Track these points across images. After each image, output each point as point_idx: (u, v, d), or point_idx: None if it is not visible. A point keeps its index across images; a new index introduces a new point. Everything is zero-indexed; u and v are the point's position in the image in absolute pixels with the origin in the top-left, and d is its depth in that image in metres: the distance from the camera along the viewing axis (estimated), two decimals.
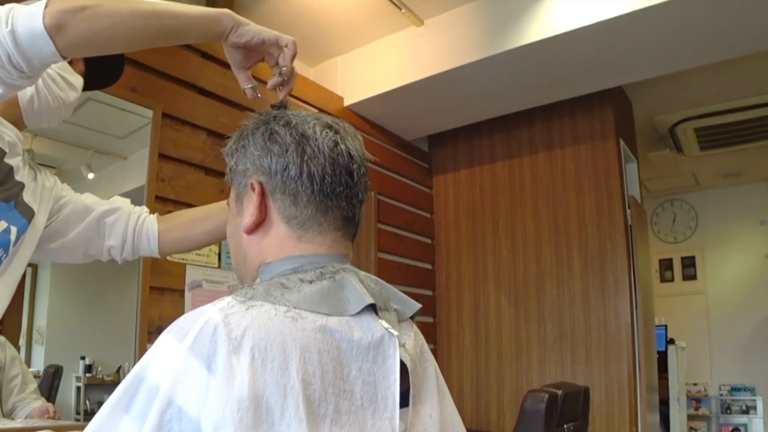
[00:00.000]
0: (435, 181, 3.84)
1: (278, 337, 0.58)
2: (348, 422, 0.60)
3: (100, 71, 1.15)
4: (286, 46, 0.89)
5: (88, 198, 1.16)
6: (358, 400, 0.62)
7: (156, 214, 1.21)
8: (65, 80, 1.05)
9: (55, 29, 0.75)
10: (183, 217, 1.22)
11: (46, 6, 0.75)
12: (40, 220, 1.07)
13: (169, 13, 0.83)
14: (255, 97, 0.91)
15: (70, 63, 1.08)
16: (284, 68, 0.88)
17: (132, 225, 1.16)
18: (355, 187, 0.72)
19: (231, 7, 2.57)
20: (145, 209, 1.21)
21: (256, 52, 0.91)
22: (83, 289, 2.11)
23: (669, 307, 5.16)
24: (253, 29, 0.89)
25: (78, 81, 1.09)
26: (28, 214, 1.03)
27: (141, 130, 2.15)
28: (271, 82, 0.89)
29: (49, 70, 1.02)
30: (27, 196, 1.03)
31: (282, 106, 0.82)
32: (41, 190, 1.08)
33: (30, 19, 0.75)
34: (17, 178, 1.00)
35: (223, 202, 1.19)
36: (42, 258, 1.15)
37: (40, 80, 1.01)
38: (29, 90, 1.01)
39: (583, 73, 2.86)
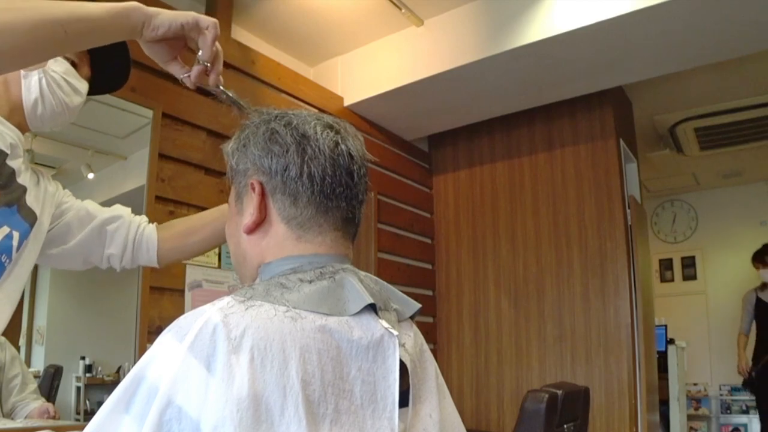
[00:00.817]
0: (435, 181, 3.84)
1: (278, 337, 0.58)
2: (348, 422, 0.60)
3: (106, 76, 1.14)
4: (206, 29, 0.82)
5: (89, 204, 1.16)
6: (357, 400, 0.62)
7: (155, 224, 1.21)
8: (70, 85, 1.05)
9: None
10: (179, 226, 1.22)
11: None
12: (43, 224, 1.06)
13: (73, 18, 0.74)
14: (194, 85, 0.86)
15: (76, 67, 1.07)
16: (200, 54, 0.83)
17: (132, 234, 1.16)
18: (355, 188, 0.72)
19: (231, 8, 2.58)
20: (144, 218, 1.21)
21: (179, 40, 0.84)
22: (83, 289, 2.11)
23: (669, 307, 5.16)
24: (167, 17, 0.81)
25: (83, 86, 1.09)
26: (31, 218, 1.02)
27: (141, 130, 2.15)
28: (193, 73, 0.84)
29: (54, 75, 1.02)
30: (29, 200, 1.02)
31: (220, 92, 0.79)
32: (44, 194, 1.07)
33: None
34: (19, 181, 1.00)
35: (219, 208, 1.19)
36: (42, 263, 1.15)
37: (45, 85, 1.01)
38: (33, 94, 1.01)
39: (583, 73, 2.86)
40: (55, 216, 1.11)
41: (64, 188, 1.16)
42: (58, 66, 1.03)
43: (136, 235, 1.17)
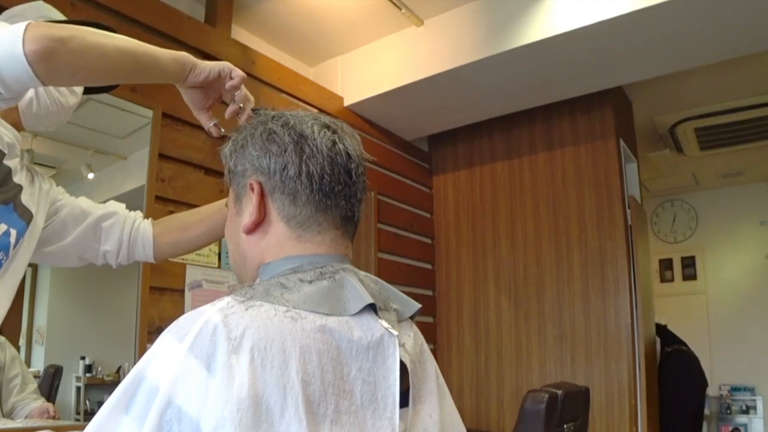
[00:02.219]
0: (435, 181, 3.84)
1: (278, 337, 0.58)
2: (348, 422, 0.60)
3: None
4: (232, 77, 0.92)
5: (84, 202, 1.16)
6: (358, 400, 0.62)
7: (150, 219, 1.21)
8: None
9: (39, 57, 0.72)
10: (175, 221, 1.22)
11: (25, 30, 0.72)
12: (39, 222, 1.07)
13: (144, 53, 0.85)
14: (219, 134, 0.94)
15: None
16: (237, 94, 0.92)
17: (128, 230, 1.16)
18: (353, 186, 0.72)
19: (231, 8, 2.58)
20: (139, 214, 1.21)
21: (214, 90, 0.94)
22: (83, 289, 2.11)
23: (669, 307, 5.16)
24: (207, 65, 0.92)
25: (79, 86, 1.09)
26: (27, 216, 1.03)
27: (141, 130, 2.15)
28: (229, 111, 0.92)
29: None
30: (25, 198, 1.03)
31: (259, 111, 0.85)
32: (39, 193, 1.07)
33: (8, 43, 0.72)
34: (15, 180, 1.00)
35: (216, 203, 1.19)
36: (37, 261, 1.15)
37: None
38: (29, 93, 1.01)
39: (583, 73, 2.86)
40: (50, 214, 1.11)
41: (58, 186, 1.16)
42: None
43: (132, 231, 1.17)
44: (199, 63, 0.91)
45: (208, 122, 0.96)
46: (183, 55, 0.90)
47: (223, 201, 1.16)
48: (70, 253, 1.14)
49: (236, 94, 0.92)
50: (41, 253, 1.10)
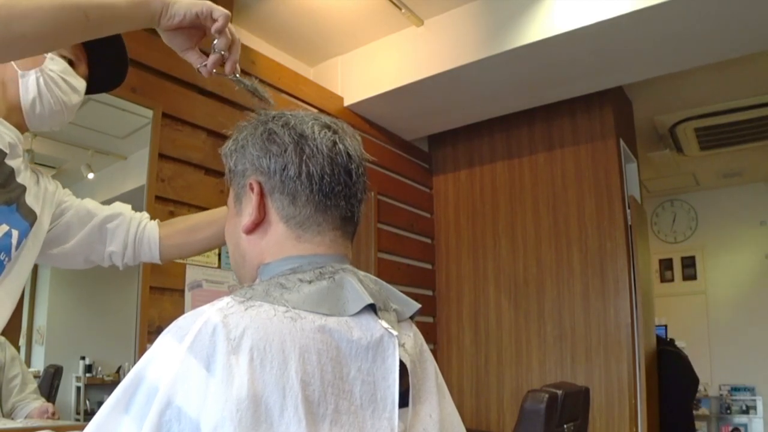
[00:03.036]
0: (435, 181, 3.84)
1: (277, 338, 0.58)
2: (347, 422, 0.60)
3: (104, 74, 1.14)
4: (216, 19, 0.84)
5: (89, 203, 1.16)
6: (357, 400, 0.62)
7: (157, 220, 1.21)
8: (68, 83, 1.05)
9: None
10: (185, 222, 1.22)
11: None
12: (43, 223, 1.06)
13: (94, 4, 0.76)
14: (211, 74, 0.87)
15: (73, 66, 1.07)
16: (215, 42, 0.85)
17: (133, 231, 1.16)
18: (353, 187, 0.72)
19: (231, 8, 2.58)
20: (146, 215, 1.20)
21: (197, 29, 0.86)
22: (83, 289, 2.11)
23: (669, 307, 5.16)
24: (183, 6, 0.82)
25: (81, 84, 1.09)
26: (31, 217, 1.02)
27: (141, 130, 2.15)
28: (209, 61, 0.85)
29: (51, 74, 1.02)
30: (29, 199, 1.02)
31: (237, 80, 0.80)
32: (44, 194, 1.07)
33: None
34: (19, 180, 1.00)
35: (225, 207, 1.19)
36: (43, 263, 1.15)
37: (43, 84, 1.01)
38: (31, 93, 1.01)
39: (583, 73, 2.86)
40: (55, 215, 1.11)
41: (63, 188, 1.16)
42: (56, 65, 1.03)
43: (137, 231, 1.16)
44: (171, 4, 0.82)
45: (197, 61, 0.87)
46: None
47: None
48: (76, 254, 1.14)
49: (216, 40, 0.84)
50: (46, 255, 1.10)
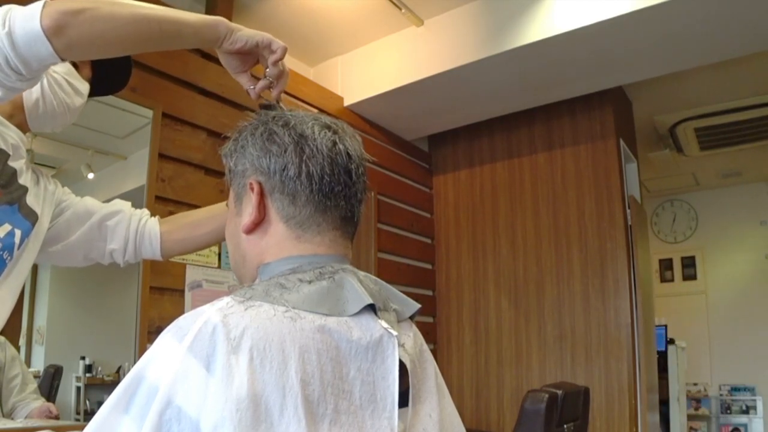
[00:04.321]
0: (435, 181, 3.84)
1: (277, 337, 0.58)
2: (347, 422, 0.60)
3: (108, 77, 1.14)
4: (274, 51, 0.90)
5: (88, 201, 1.16)
6: (357, 400, 0.62)
7: (157, 217, 1.21)
8: (71, 86, 1.05)
9: (53, 30, 0.74)
10: (186, 218, 1.22)
11: (43, 7, 0.74)
12: (44, 223, 1.07)
13: (168, 19, 0.83)
14: (257, 98, 0.92)
15: (77, 68, 1.07)
16: (267, 70, 0.90)
17: (134, 227, 1.16)
18: (353, 187, 0.72)
19: (231, 8, 2.58)
20: (146, 212, 1.20)
21: (252, 56, 0.92)
22: (83, 289, 2.11)
23: (669, 307, 5.16)
24: (246, 34, 0.89)
25: (84, 87, 1.09)
26: (32, 217, 1.03)
27: (141, 130, 2.15)
28: (258, 86, 0.91)
29: (55, 75, 1.02)
30: (30, 200, 1.03)
31: (270, 105, 0.83)
32: (44, 194, 1.07)
33: (27, 20, 0.74)
34: (20, 181, 1.00)
35: (225, 203, 1.19)
36: (43, 261, 1.15)
37: (46, 85, 1.01)
38: (35, 94, 1.01)
39: (583, 73, 2.86)
40: (55, 214, 1.11)
41: (64, 186, 1.16)
42: (60, 67, 1.03)
43: (138, 228, 1.16)
44: (235, 30, 0.89)
45: (247, 84, 0.93)
46: (216, 20, 0.87)
47: None
48: (76, 252, 1.14)
49: (269, 68, 0.90)
50: (46, 253, 1.10)
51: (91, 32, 0.77)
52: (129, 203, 1.20)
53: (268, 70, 0.90)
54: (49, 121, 1.05)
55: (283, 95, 0.92)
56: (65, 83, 1.04)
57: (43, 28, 0.73)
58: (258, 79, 0.92)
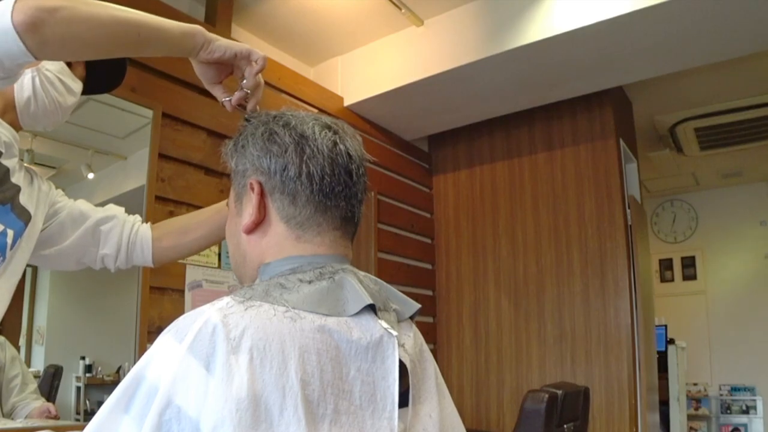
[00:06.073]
0: (435, 181, 3.84)
1: (277, 338, 0.58)
2: (347, 422, 0.60)
3: (101, 76, 1.14)
4: (255, 62, 0.89)
5: (82, 204, 1.16)
6: (357, 400, 0.62)
7: (149, 223, 1.20)
8: (64, 84, 1.05)
9: (26, 27, 0.70)
10: (174, 224, 1.21)
11: (15, 2, 0.70)
12: (37, 223, 1.06)
13: (147, 24, 0.81)
14: (233, 109, 0.91)
15: (71, 67, 1.07)
16: (244, 82, 0.89)
17: (127, 234, 1.16)
18: (354, 187, 0.72)
19: (231, 8, 2.58)
20: (138, 218, 1.20)
21: (227, 67, 0.91)
22: (83, 290, 2.11)
23: (669, 307, 5.16)
24: (223, 44, 0.88)
25: (77, 86, 1.08)
26: (25, 216, 1.02)
27: (141, 130, 2.15)
28: (235, 97, 0.89)
29: (48, 73, 1.02)
30: (23, 199, 1.02)
31: (252, 117, 0.82)
32: (38, 194, 1.07)
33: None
34: (13, 180, 0.99)
35: (215, 206, 1.19)
36: (35, 264, 1.14)
37: (38, 83, 1.01)
38: (26, 92, 1.00)
39: (583, 73, 2.86)
40: (49, 216, 1.10)
41: (58, 188, 1.15)
42: (52, 65, 1.03)
43: (131, 234, 1.16)
44: (213, 40, 0.87)
45: (222, 96, 0.92)
46: (194, 29, 0.86)
47: (222, 203, 1.15)
48: (69, 256, 1.13)
49: (245, 80, 0.89)
50: (39, 256, 1.10)
51: (67, 32, 0.74)
52: (122, 209, 1.20)
53: (244, 81, 0.89)
54: (41, 119, 1.05)
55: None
56: (58, 81, 1.03)
57: (14, 23, 0.69)
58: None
